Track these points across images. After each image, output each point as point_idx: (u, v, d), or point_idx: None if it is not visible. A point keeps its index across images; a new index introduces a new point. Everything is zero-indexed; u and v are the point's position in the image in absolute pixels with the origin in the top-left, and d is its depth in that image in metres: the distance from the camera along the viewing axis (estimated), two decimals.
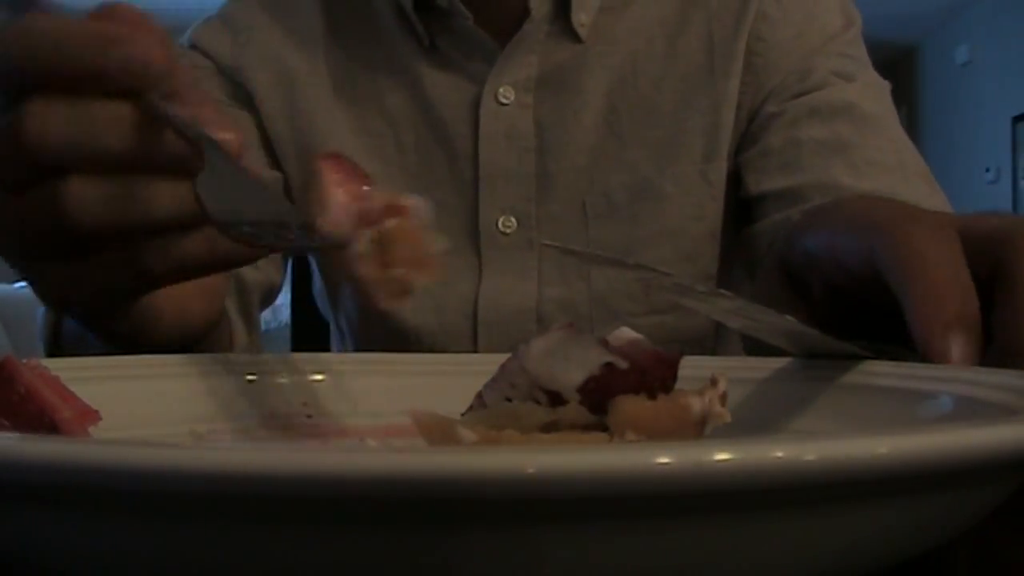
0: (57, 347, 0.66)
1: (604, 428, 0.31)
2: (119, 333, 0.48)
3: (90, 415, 0.34)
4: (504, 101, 0.80)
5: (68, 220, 0.40)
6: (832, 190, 0.73)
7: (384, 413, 0.42)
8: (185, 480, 0.19)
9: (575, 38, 0.80)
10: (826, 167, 0.75)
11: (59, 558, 0.22)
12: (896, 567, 0.24)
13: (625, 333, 0.33)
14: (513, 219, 0.79)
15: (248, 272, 0.79)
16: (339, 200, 0.36)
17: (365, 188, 0.37)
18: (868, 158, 0.75)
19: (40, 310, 0.68)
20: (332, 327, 0.91)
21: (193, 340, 0.51)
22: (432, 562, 0.20)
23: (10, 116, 0.40)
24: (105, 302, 0.45)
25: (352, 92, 0.83)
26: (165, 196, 0.41)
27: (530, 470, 0.18)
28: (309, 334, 0.99)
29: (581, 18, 0.80)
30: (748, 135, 0.81)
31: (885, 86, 0.82)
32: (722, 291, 0.39)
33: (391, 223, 0.36)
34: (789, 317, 0.41)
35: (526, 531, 0.20)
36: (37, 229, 0.41)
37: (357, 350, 0.84)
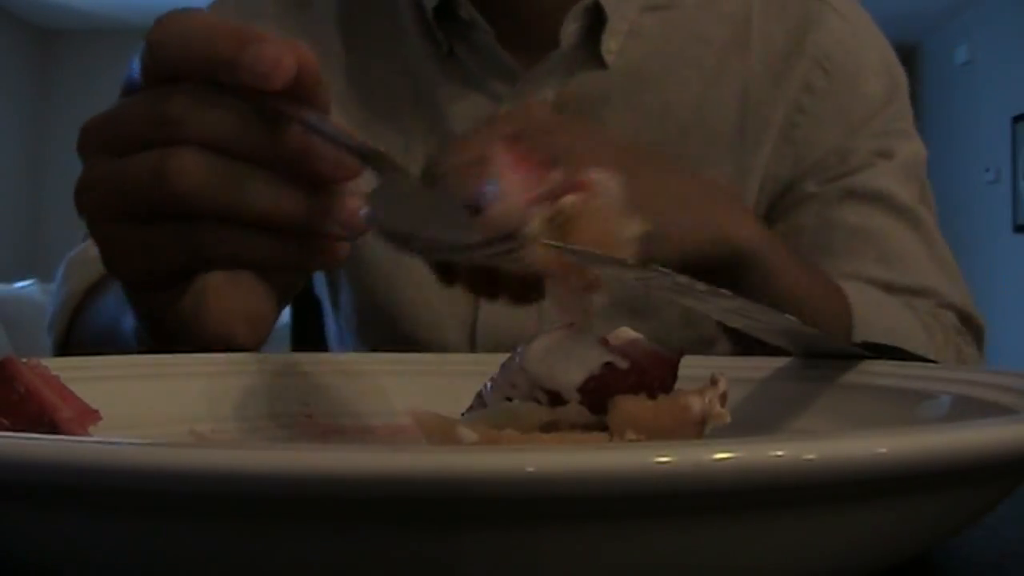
0: (68, 348, 0.66)
1: (604, 428, 0.30)
2: (149, 320, 0.48)
3: (90, 415, 0.34)
4: None
5: (170, 183, 0.41)
6: (861, 279, 0.73)
7: (384, 413, 0.42)
8: (185, 480, 0.19)
9: (600, 64, 0.76)
10: (857, 255, 0.75)
11: (59, 558, 0.22)
12: (896, 567, 0.24)
13: (625, 333, 0.33)
14: None
15: None
16: (514, 185, 0.31)
17: (543, 173, 0.32)
18: (899, 250, 0.75)
19: (50, 310, 0.68)
20: (330, 321, 0.89)
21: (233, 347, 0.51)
22: (432, 562, 0.20)
23: (162, 92, 0.41)
24: (153, 277, 0.45)
25: (364, 91, 0.80)
26: (269, 191, 0.41)
27: (530, 470, 0.18)
28: (309, 334, 0.99)
29: (610, 44, 0.76)
30: (780, 207, 0.78)
31: (922, 158, 0.80)
32: (722, 290, 0.39)
33: (569, 200, 0.31)
34: (789, 316, 0.41)
35: (526, 531, 0.20)
36: (139, 185, 0.42)
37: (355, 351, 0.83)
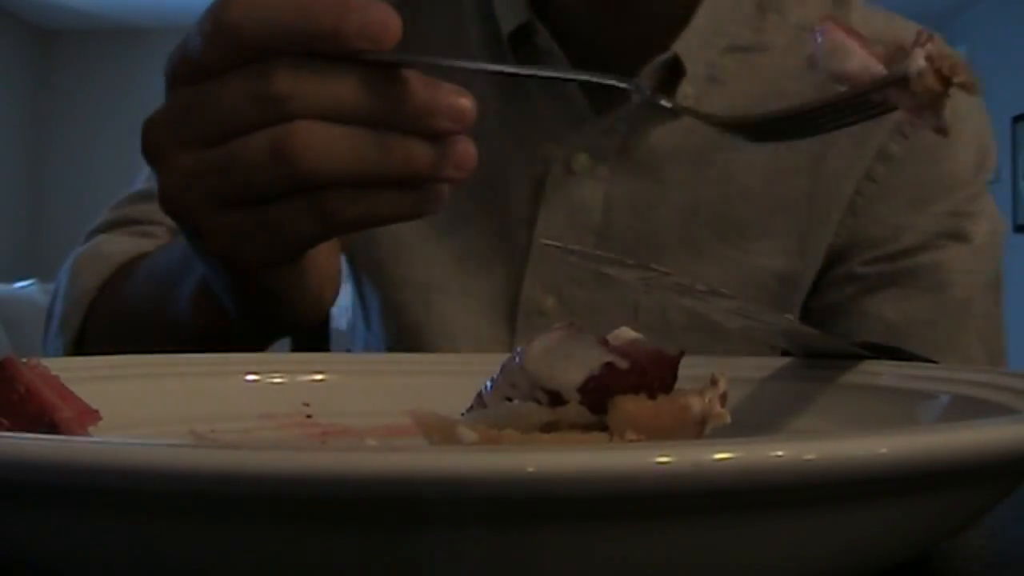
0: (81, 344, 0.65)
1: (604, 428, 0.30)
2: (268, 297, 0.48)
3: (90, 415, 0.34)
4: (576, 170, 0.70)
5: (297, 161, 0.40)
6: None
7: (384, 413, 0.42)
8: (185, 480, 0.19)
9: (673, 113, 0.68)
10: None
11: (59, 558, 0.22)
12: (896, 567, 0.24)
13: (625, 333, 0.33)
14: (556, 301, 0.70)
15: None
16: (857, 47, 0.35)
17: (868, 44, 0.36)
18: (939, 343, 0.68)
19: (57, 311, 0.67)
20: (358, 338, 0.84)
21: (316, 322, 0.52)
22: (432, 562, 0.20)
23: (260, 70, 0.41)
24: (279, 253, 0.45)
25: None
26: (395, 151, 0.41)
27: (530, 470, 0.18)
28: (309, 334, 0.99)
29: (687, 90, 0.69)
30: (819, 282, 0.72)
31: (999, 237, 0.72)
32: (722, 290, 0.39)
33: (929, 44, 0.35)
34: (789, 316, 0.41)
35: (526, 531, 0.20)
36: (257, 168, 0.41)
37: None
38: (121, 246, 0.68)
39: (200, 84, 0.42)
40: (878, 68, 0.35)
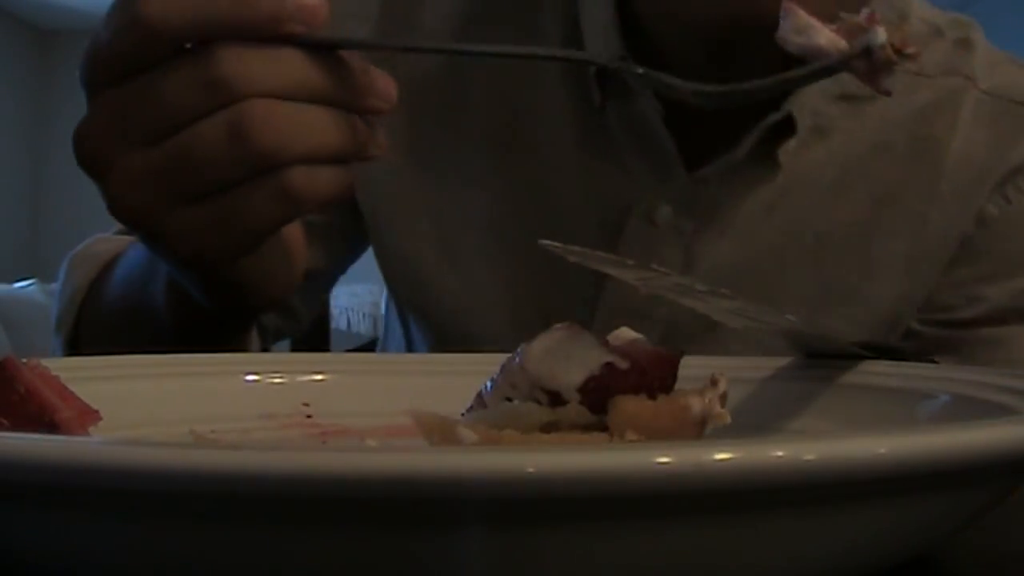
0: (79, 343, 0.65)
1: (604, 428, 0.30)
2: (237, 286, 0.48)
3: (90, 415, 0.34)
4: (658, 222, 0.64)
5: (254, 140, 0.40)
6: None
7: (384, 413, 0.42)
8: (185, 480, 0.19)
9: (771, 166, 0.64)
10: None
11: (59, 558, 0.22)
12: (896, 567, 0.24)
13: (625, 333, 0.33)
14: None
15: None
16: (821, 25, 0.40)
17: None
18: None
19: (55, 310, 0.68)
20: (396, 328, 0.80)
21: (281, 303, 0.52)
22: (432, 562, 0.20)
23: (201, 57, 0.40)
24: (242, 243, 0.44)
25: (456, 115, 0.67)
26: (341, 124, 0.42)
27: (530, 470, 0.18)
28: (309, 334, 0.99)
29: (789, 143, 0.63)
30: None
31: None
32: (722, 290, 0.39)
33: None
34: (789, 316, 0.41)
35: (526, 531, 0.20)
36: (214, 154, 0.41)
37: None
38: (111, 244, 0.68)
39: (128, 83, 0.41)
40: (842, 43, 0.40)
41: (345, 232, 0.73)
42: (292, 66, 0.40)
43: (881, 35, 0.39)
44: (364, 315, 3.82)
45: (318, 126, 0.41)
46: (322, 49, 0.41)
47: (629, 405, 0.30)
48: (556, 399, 0.31)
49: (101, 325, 0.64)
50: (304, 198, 0.41)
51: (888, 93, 0.41)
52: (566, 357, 0.31)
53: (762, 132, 0.61)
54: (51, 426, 0.32)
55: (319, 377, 0.46)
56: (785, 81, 0.43)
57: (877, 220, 0.65)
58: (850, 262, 0.66)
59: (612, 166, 0.64)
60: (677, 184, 0.63)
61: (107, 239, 0.69)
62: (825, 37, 0.41)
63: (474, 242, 0.68)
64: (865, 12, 0.40)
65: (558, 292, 0.66)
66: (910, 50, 0.40)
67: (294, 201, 0.41)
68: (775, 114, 0.61)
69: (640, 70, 0.45)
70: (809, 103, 0.63)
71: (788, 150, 0.63)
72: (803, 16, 0.41)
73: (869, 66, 0.40)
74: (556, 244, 0.35)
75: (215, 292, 0.48)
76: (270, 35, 0.40)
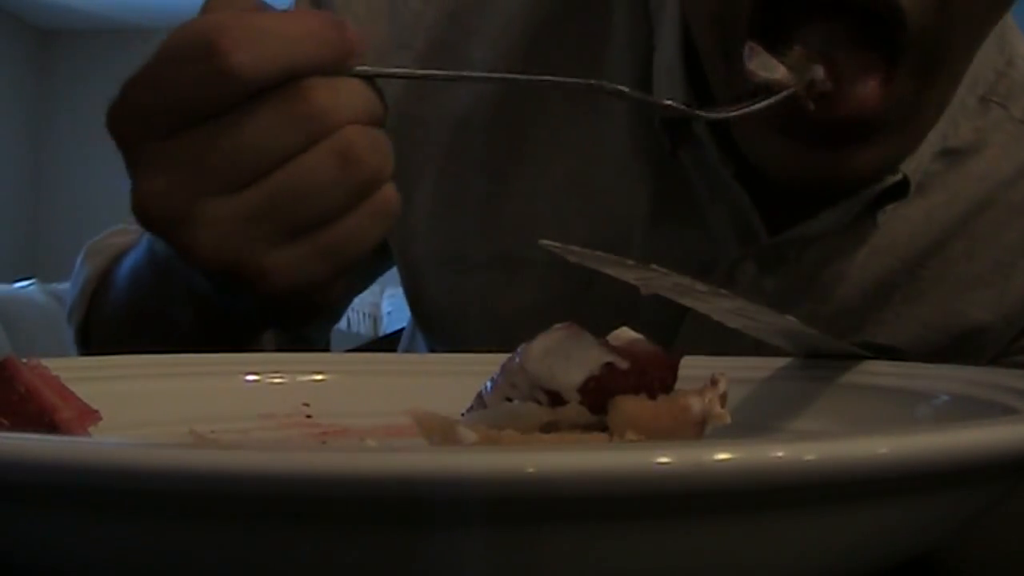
0: (87, 333, 0.66)
1: (604, 428, 0.31)
2: (315, 307, 0.47)
3: (90, 415, 0.34)
4: (739, 278, 0.60)
5: (362, 167, 0.41)
6: None
7: (384, 413, 0.42)
8: (185, 480, 0.19)
9: (867, 226, 0.59)
10: None
11: (59, 558, 0.22)
12: (896, 567, 0.24)
13: (625, 333, 0.33)
14: None
15: None
16: (778, 63, 0.50)
17: None
18: None
19: (69, 298, 0.68)
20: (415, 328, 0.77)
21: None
22: (432, 562, 0.20)
23: (291, 94, 0.41)
24: (351, 264, 0.44)
25: (513, 156, 0.63)
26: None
27: (530, 470, 0.18)
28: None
29: (888, 206, 0.58)
30: None
31: None
32: (722, 291, 0.39)
33: None
34: (789, 317, 0.41)
35: (526, 531, 0.20)
36: (325, 184, 0.41)
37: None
38: (126, 238, 0.68)
39: (201, 130, 0.41)
40: (793, 77, 0.49)
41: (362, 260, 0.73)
42: (365, 94, 0.42)
43: (820, 72, 0.49)
44: (364, 315, 3.83)
45: (387, 142, 0.43)
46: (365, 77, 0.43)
47: (629, 405, 0.30)
48: (556, 399, 0.31)
49: (107, 321, 0.64)
50: (397, 212, 0.43)
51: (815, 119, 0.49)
52: (566, 357, 0.31)
53: (872, 196, 0.57)
54: (51, 426, 0.32)
55: (319, 377, 0.46)
56: (750, 112, 0.48)
57: (968, 274, 0.62)
58: (934, 338, 0.62)
59: (690, 217, 0.60)
60: (760, 244, 0.59)
61: (123, 231, 0.69)
62: (781, 72, 0.49)
63: (531, 297, 0.63)
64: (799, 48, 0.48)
65: None
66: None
67: (391, 217, 0.43)
68: (891, 177, 0.56)
69: (624, 89, 0.46)
70: (916, 158, 0.58)
71: (886, 210, 0.59)
72: (765, 55, 0.49)
73: (810, 94, 0.49)
74: (555, 244, 0.35)
75: (277, 313, 0.48)
76: (342, 70, 0.42)
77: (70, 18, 5.86)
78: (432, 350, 0.73)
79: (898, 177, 0.57)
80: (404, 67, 0.62)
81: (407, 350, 0.84)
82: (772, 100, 0.48)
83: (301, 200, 0.41)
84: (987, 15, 0.52)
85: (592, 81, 0.46)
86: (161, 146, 0.41)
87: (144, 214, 0.42)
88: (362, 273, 0.74)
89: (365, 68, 0.43)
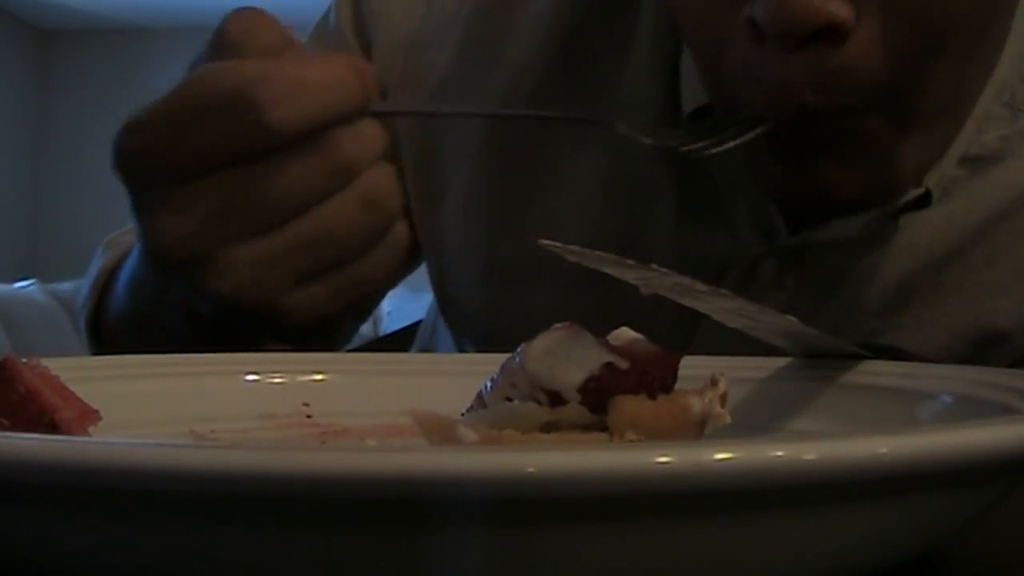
0: (97, 325, 0.66)
1: (604, 428, 0.30)
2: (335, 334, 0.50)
3: (90, 415, 0.34)
4: (760, 275, 0.60)
5: (386, 208, 0.44)
6: None
7: (384, 413, 0.42)
8: (185, 480, 0.19)
9: (888, 230, 0.59)
10: None
11: (59, 558, 0.22)
12: (896, 567, 0.24)
13: (625, 333, 0.33)
14: None
15: None
16: None
17: None
18: None
19: (83, 290, 0.68)
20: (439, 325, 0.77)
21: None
22: (432, 562, 0.20)
23: (322, 144, 0.43)
24: (377, 297, 0.48)
25: (544, 162, 0.64)
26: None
27: (530, 470, 0.18)
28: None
29: (909, 212, 0.58)
30: None
31: None
32: (722, 291, 0.39)
33: None
34: (789, 317, 0.41)
35: (526, 531, 0.20)
36: (350, 227, 0.43)
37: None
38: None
39: (231, 175, 0.42)
40: None
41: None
42: (380, 134, 0.44)
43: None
44: None
45: (398, 180, 0.45)
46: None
47: (629, 405, 0.30)
48: (556, 399, 0.31)
49: (111, 319, 0.64)
50: (407, 246, 0.46)
51: None
52: (566, 357, 0.31)
53: (894, 209, 0.57)
54: (51, 426, 0.32)
55: (319, 377, 0.46)
56: (728, 148, 0.49)
57: (988, 282, 0.61)
58: (956, 324, 0.61)
59: (712, 215, 0.60)
60: (782, 242, 0.59)
61: None
62: None
63: (559, 296, 0.63)
64: None
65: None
66: None
67: (404, 252, 0.45)
68: (915, 189, 0.56)
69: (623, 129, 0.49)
70: (939, 166, 0.57)
71: (908, 216, 0.58)
72: None
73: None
74: (555, 244, 0.35)
75: (286, 341, 0.49)
76: (363, 112, 0.44)
77: (70, 18, 5.86)
78: (461, 350, 0.73)
79: (920, 191, 0.56)
80: (439, 64, 0.64)
81: (424, 349, 0.84)
82: (749, 136, 0.47)
83: (324, 244, 0.43)
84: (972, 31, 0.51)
85: (584, 117, 0.48)
86: (184, 191, 0.42)
87: (164, 257, 0.43)
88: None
89: (380, 104, 0.45)
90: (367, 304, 0.47)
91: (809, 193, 0.53)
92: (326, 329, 0.47)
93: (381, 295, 0.47)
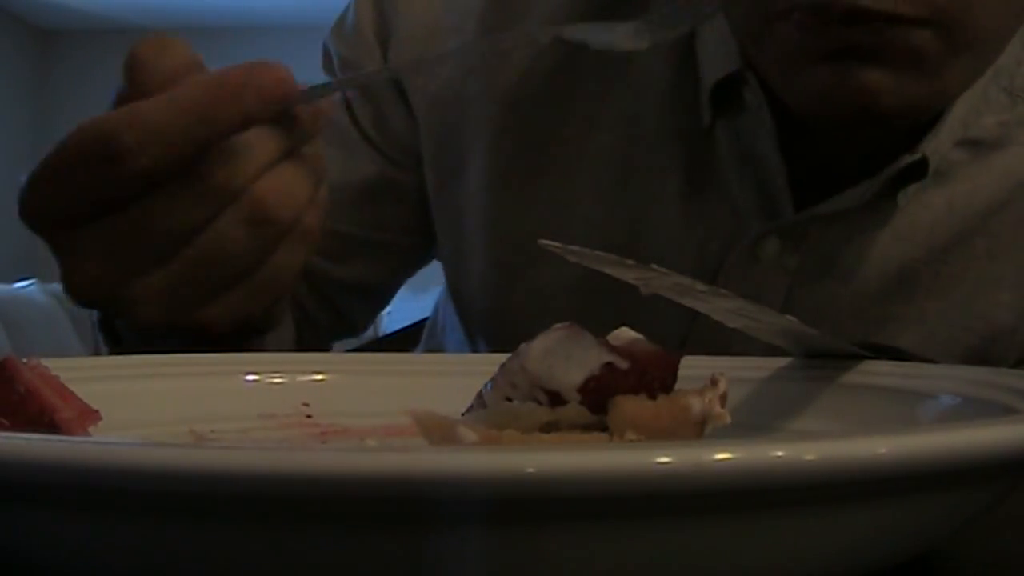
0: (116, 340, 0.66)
1: (604, 428, 0.30)
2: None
3: (90, 415, 0.34)
4: (761, 256, 0.60)
5: (273, 219, 0.44)
6: None
7: (384, 413, 0.42)
8: (185, 480, 0.19)
9: (889, 208, 0.60)
10: None
11: (59, 558, 0.22)
12: (896, 567, 0.24)
13: (625, 333, 0.33)
14: None
15: (323, 264, 0.71)
16: None
17: None
18: None
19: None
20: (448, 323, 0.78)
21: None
22: (432, 562, 0.20)
23: (195, 175, 0.42)
24: (282, 296, 0.48)
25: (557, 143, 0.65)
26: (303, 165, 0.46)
27: (530, 470, 0.18)
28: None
29: (911, 186, 0.59)
30: None
31: None
32: (722, 291, 0.39)
33: None
34: (789, 317, 0.41)
35: (526, 531, 0.20)
36: (239, 245, 0.44)
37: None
38: None
39: (117, 214, 0.43)
40: None
41: (404, 248, 0.74)
42: (271, 136, 0.43)
43: None
44: None
45: (299, 177, 0.44)
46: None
47: (629, 405, 0.30)
48: (556, 399, 0.31)
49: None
50: (317, 238, 0.45)
51: None
52: (566, 357, 0.31)
53: (892, 174, 0.58)
54: (51, 426, 0.32)
55: (319, 377, 0.46)
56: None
57: (991, 274, 0.61)
58: (960, 316, 0.61)
59: (717, 194, 0.61)
60: (785, 219, 0.60)
61: None
62: None
63: (570, 276, 0.64)
64: None
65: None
66: None
67: (312, 243, 0.45)
68: (909, 156, 0.57)
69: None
70: (935, 143, 0.58)
71: (908, 192, 0.59)
72: None
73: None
74: (555, 244, 0.35)
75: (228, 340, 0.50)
76: (257, 115, 0.42)
77: (70, 18, 5.86)
78: (471, 340, 0.74)
79: (917, 156, 0.57)
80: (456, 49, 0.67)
81: (429, 348, 0.85)
82: None
83: (220, 263, 0.43)
84: None
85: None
86: (77, 235, 0.44)
87: (81, 297, 0.45)
88: (408, 262, 0.77)
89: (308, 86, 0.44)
90: (289, 289, 0.47)
91: (847, 103, 0.52)
92: (258, 324, 0.48)
93: (299, 276, 0.47)
